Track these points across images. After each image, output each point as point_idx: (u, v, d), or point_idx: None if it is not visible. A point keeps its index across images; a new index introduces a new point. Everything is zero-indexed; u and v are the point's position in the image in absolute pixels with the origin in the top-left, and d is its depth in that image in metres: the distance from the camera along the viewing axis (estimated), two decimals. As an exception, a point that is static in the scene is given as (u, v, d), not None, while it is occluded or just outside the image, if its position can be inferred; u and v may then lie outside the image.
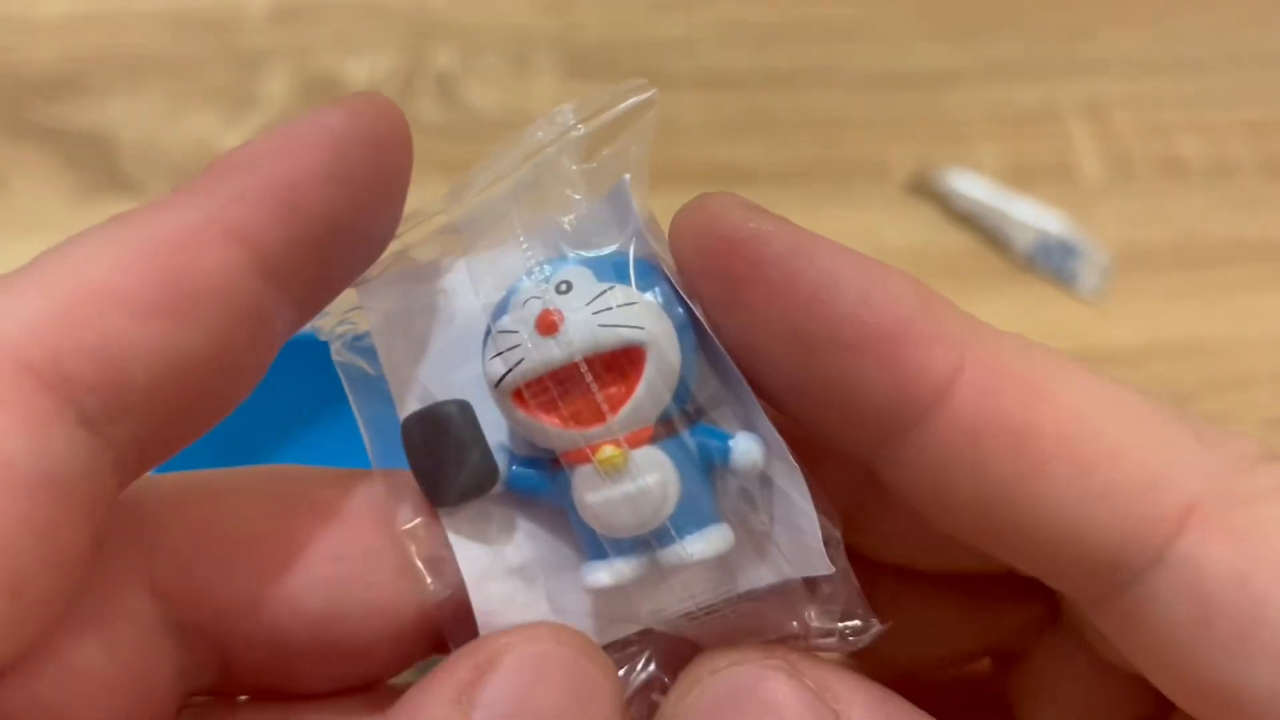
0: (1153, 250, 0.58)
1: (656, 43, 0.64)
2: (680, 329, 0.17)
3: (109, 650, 0.16)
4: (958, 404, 0.15)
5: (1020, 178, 0.59)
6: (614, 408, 0.17)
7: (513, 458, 0.18)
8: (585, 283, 0.17)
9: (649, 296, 0.17)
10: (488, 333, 0.18)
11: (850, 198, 0.58)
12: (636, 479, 0.17)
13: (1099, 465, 0.15)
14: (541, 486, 0.18)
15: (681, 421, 0.17)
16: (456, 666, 0.16)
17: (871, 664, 0.18)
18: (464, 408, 0.18)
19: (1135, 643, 0.15)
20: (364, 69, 0.62)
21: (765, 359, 0.16)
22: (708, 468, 0.17)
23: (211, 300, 0.15)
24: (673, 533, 0.17)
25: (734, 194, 0.17)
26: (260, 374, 0.17)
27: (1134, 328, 0.56)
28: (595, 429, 0.17)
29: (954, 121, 0.62)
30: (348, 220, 0.17)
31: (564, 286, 0.17)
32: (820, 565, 0.17)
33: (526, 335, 0.17)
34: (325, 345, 0.19)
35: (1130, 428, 0.15)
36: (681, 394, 0.17)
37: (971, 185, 0.58)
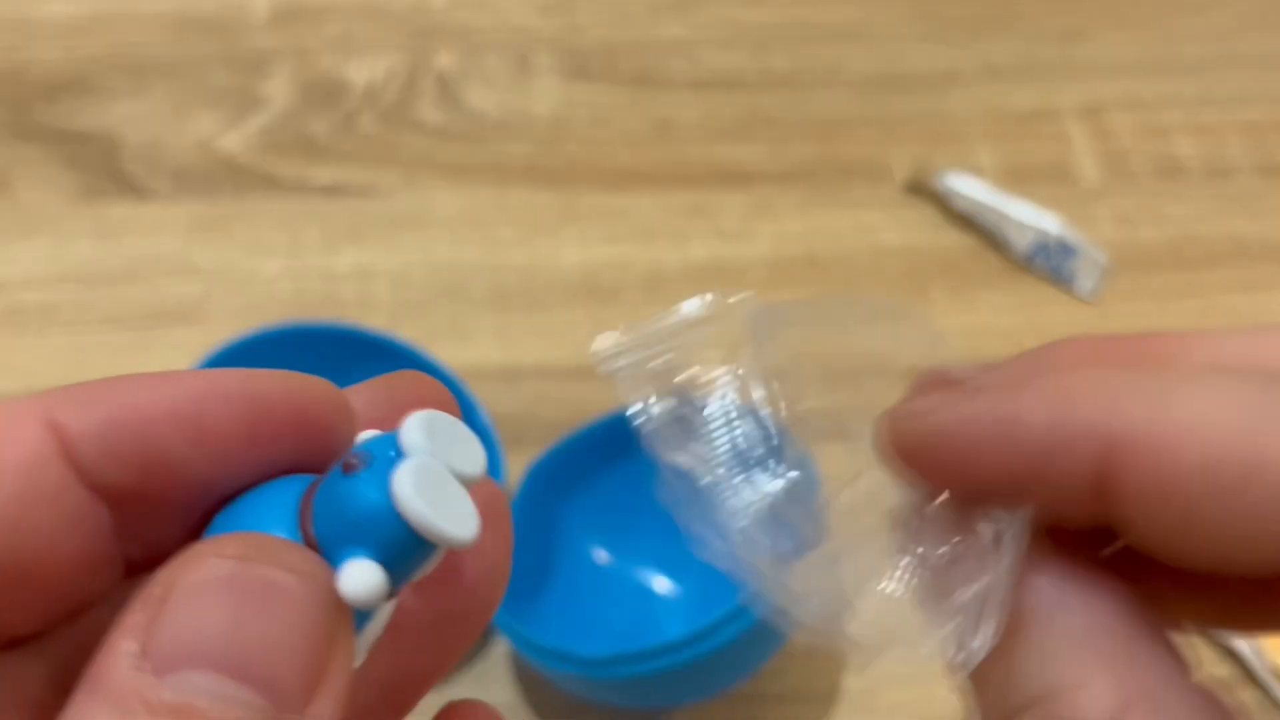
0: (1150, 250, 0.58)
1: (656, 43, 0.65)
2: None
3: None
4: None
5: (1018, 178, 0.59)
6: None
7: None
8: None
9: None
10: None
11: (850, 198, 0.58)
12: None
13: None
14: None
15: None
16: (135, 608, 0.14)
17: None
18: None
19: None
20: (365, 70, 0.63)
21: None
22: None
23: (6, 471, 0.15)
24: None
25: (901, 405, 0.19)
26: (88, 592, 0.16)
27: (1132, 328, 0.56)
28: None
29: (953, 122, 0.62)
30: (202, 484, 0.16)
31: None
32: None
33: None
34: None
35: None
36: None
37: (970, 186, 0.58)
